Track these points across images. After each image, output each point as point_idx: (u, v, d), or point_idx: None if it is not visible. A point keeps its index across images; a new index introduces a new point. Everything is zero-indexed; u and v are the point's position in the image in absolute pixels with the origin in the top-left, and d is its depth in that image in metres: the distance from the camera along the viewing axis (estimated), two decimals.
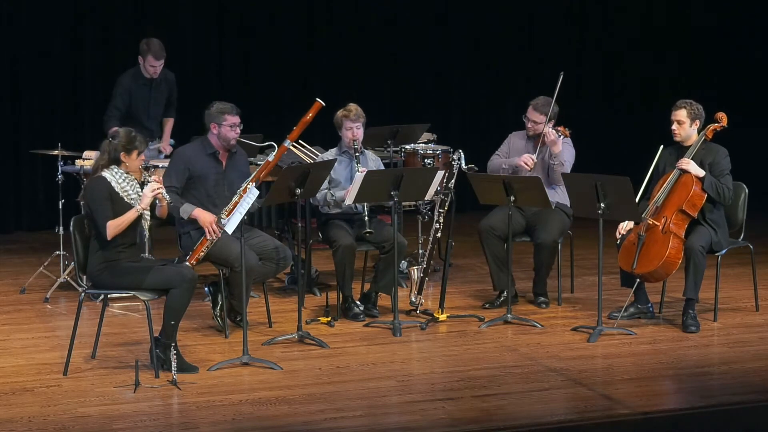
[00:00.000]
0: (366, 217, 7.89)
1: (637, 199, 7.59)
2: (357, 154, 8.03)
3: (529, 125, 8.34)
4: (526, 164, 8.19)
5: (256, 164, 8.34)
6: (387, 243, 7.93)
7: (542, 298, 8.36)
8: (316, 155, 8.59)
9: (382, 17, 12.01)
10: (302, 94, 10.90)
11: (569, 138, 8.32)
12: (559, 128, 8.22)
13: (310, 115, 7.64)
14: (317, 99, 7.60)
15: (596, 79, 12.74)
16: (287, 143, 7.63)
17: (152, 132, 9.36)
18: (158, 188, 6.75)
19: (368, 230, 7.87)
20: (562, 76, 8.18)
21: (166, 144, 9.54)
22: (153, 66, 9.34)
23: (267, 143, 7.70)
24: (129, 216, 6.73)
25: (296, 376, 6.82)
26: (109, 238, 6.72)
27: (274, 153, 7.62)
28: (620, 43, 12.72)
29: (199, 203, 7.57)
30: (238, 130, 7.69)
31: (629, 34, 12.73)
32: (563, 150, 8.24)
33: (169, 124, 9.62)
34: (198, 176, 7.64)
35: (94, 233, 6.82)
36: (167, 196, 6.89)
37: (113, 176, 6.81)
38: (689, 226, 7.69)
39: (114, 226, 6.71)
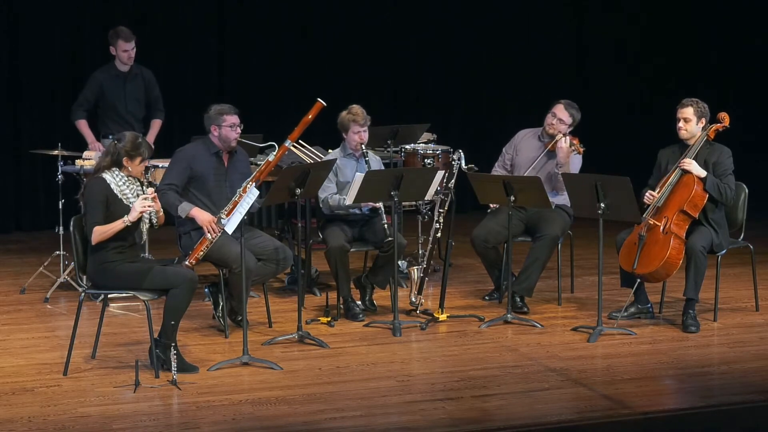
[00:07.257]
0: (384, 224, 7.88)
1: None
2: (366, 158, 8.04)
3: (553, 122, 8.21)
4: None
5: (257, 164, 8.32)
6: (386, 243, 7.92)
7: (521, 302, 8.11)
8: (317, 155, 8.58)
9: (382, 17, 12.01)
10: (302, 94, 10.89)
11: (581, 154, 8.27)
12: (575, 141, 8.16)
13: (311, 116, 7.60)
14: (318, 99, 7.56)
15: (596, 79, 12.73)
16: (288, 143, 7.61)
17: (133, 128, 9.06)
18: (148, 206, 6.70)
19: (389, 238, 7.85)
20: None
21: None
22: (125, 51, 9.18)
23: (268, 143, 7.68)
24: (115, 226, 6.69)
25: (296, 376, 6.82)
26: (93, 242, 6.72)
27: (274, 153, 7.60)
28: (620, 42, 12.72)
29: (199, 203, 7.56)
30: (239, 130, 7.68)
31: (628, 33, 12.73)
32: (572, 163, 8.19)
33: (155, 125, 9.41)
34: (200, 175, 7.62)
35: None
36: (154, 219, 6.86)
37: (113, 178, 6.80)
38: (690, 225, 7.69)
39: (100, 233, 6.70)
